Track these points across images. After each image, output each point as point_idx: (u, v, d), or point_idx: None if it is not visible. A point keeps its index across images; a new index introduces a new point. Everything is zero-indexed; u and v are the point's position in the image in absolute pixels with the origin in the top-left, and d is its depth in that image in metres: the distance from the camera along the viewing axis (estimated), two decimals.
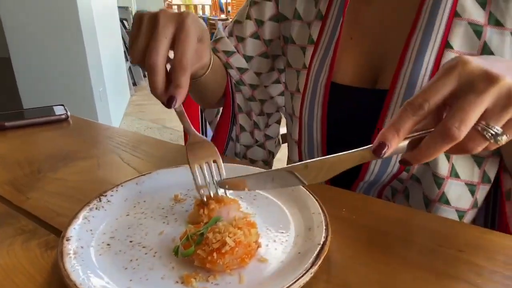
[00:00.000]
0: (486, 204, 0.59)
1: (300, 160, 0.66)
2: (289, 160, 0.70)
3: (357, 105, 0.59)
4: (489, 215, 0.59)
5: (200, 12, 10.98)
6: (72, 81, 2.56)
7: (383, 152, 0.32)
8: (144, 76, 5.42)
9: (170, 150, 0.63)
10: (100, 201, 0.42)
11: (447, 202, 0.55)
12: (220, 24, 0.77)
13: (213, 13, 11.32)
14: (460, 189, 0.54)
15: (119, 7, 4.31)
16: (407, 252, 0.38)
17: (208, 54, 0.50)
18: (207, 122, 0.87)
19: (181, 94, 0.41)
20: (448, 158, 0.53)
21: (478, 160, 0.54)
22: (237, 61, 0.72)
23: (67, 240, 0.35)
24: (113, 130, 0.74)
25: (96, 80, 2.69)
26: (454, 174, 0.53)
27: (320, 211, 0.40)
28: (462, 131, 0.30)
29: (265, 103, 0.78)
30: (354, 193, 0.49)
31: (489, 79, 0.30)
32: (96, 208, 0.41)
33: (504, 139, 0.31)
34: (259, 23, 0.71)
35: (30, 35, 2.41)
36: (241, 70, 0.73)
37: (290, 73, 0.67)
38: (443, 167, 0.53)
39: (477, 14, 0.50)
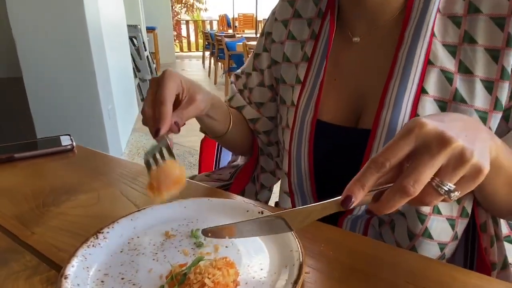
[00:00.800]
0: (465, 235, 0.62)
1: (290, 189, 0.69)
2: (281, 191, 0.74)
3: (341, 142, 0.63)
4: (469, 245, 0.62)
5: (208, 28, 11.18)
6: (81, 100, 2.64)
7: (350, 204, 0.36)
8: None
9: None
10: (97, 238, 0.46)
11: (429, 236, 0.57)
12: (232, 79, 0.85)
13: (220, 29, 11.51)
14: (442, 224, 0.57)
15: (129, 25, 4.43)
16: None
17: (203, 98, 0.58)
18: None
19: (163, 125, 0.50)
20: None
21: None
22: (248, 113, 0.79)
23: (65, 278, 0.39)
24: (115, 161, 0.78)
25: (105, 99, 2.77)
26: (436, 210, 0.57)
27: (298, 248, 0.43)
28: (416, 189, 0.34)
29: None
30: (335, 228, 0.52)
31: (443, 141, 0.33)
32: (93, 246, 0.45)
33: (456, 195, 0.35)
34: (261, 72, 0.78)
35: (41, 54, 2.50)
36: (253, 121, 0.79)
37: (282, 110, 0.72)
38: None
39: (448, 62, 0.54)
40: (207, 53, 8.07)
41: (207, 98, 0.60)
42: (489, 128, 0.53)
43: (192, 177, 0.84)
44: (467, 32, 0.53)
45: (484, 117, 0.53)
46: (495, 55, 0.52)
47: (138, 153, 3.26)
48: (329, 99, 0.64)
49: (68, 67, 2.56)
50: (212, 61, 7.16)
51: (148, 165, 0.52)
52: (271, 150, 0.83)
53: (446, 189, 0.34)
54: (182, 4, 15.41)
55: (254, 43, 3.94)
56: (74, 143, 0.84)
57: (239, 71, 0.84)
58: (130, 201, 0.60)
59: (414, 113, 0.54)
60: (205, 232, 0.44)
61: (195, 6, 15.74)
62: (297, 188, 0.68)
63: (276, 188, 0.82)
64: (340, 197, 0.37)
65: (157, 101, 0.52)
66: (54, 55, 2.52)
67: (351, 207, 0.36)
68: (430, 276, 0.42)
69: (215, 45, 6.26)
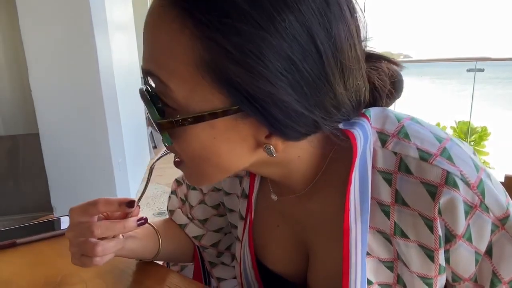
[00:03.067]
0: None
1: None
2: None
3: None
4: None
5: None
6: (93, 154, 2.72)
7: None
8: None
9: (157, 276, 0.71)
10: None
11: None
12: (173, 186, 0.80)
13: None
14: None
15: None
16: None
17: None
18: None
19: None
20: None
21: None
22: (192, 230, 0.76)
23: None
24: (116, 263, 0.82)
25: (116, 152, 2.86)
26: None
27: None
28: None
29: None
30: None
31: None
32: None
33: None
34: (201, 192, 0.74)
35: (57, 111, 2.62)
36: (198, 238, 0.77)
37: (233, 232, 0.71)
38: None
39: (383, 253, 0.50)
40: None
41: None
42: None
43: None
44: (397, 224, 0.46)
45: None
46: (430, 254, 0.46)
47: (147, 203, 3.32)
48: (274, 246, 0.61)
49: (81, 120, 2.66)
50: None
51: None
52: (224, 259, 0.79)
53: None
54: None
55: None
56: None
57: (180, 177, 0.78)
58: None
59: None
60: None
61: None
62: None
63: None
64: None
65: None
66: (68, 109, 2.62)
67: None
68: None
69: None
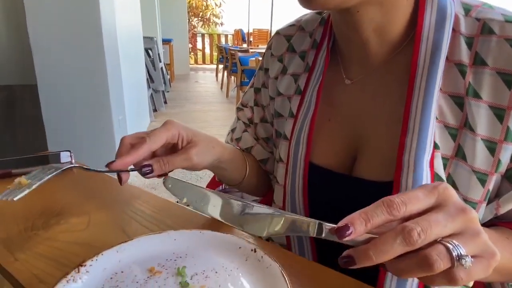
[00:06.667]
0: None
1: None
2: None
3: (335, 189, 0.60)
4: None
5: (223, 41, 11.32)
6: (93, 108, 2.66)
7: (345, 235, 0.32)
8: (165, 102, 5.58)
9: (162, 208, 0.65)
10: (79, 271, 0.44)
11: None
12: (237, 114, 0.82)
13: (235, 43, 11.65)
14: None
15: (145, 37, 4.50)
16: None
17: (201, 152, 0.56)
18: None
19: (118, 159, 0.50)
20: None
21: None
22: (258, 153, 0.76)
23: None
24: (112, 183, 0.76)
25: (116, 109, 2.79)
26: None
27: None
28: (421, 239, 0.31)
29: None
30: (346, 276, 0.48)
31: (463, 209, 0.32)
32: (73, 281, 0.43)
33: (468, 264, 0.31)
34: (263, 108, 0.76)
35: (56, 62, 2.54)
36: (263, 162, 0.77)
37: (277, 143, 0.70)
38: None
39: (452, 117, 0.50)
40: (221, 66, 8.15)
41: (213, 153, 0.58)
42: (488, 190, 0.50)
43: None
44: (471, 85, 0.49)
45: (483, 179, 0.49)
46: (500, 114, 0.48)
47: None
48: (323, 140, 0.61)
49: (82, 75, 2.59)
50: (225, 74, 7.21)
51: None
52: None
53: (459, 252, 0.31)
54: (199, 18, 15.69)
55: None
56: (73, 160, 0.83)
57: (241, 103, 0.82)
58: (120, 227, 0.58)
59: (433, 172, 0.50)
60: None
61: (211, 20, 16.00)
62: None
63: None
64: (335, 225, 0.34)
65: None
66: (68, 64, 2.56)
67: (344, 240, 0.33)
68: None
69: (229, 59, 6.31)
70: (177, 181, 0.42)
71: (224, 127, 4.36)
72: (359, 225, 0.32)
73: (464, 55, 0.50)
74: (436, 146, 0.50)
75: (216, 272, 0.46)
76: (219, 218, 0.48)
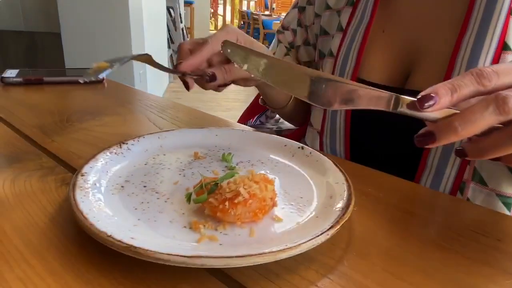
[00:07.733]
0: None
1: (321, 149, 0.63)
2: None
3: None
4: None
5: (244, 7, 11.05)
6: None
7: (428, 105, 0.29)
8: None
9: (197, 117, 0.62)
10: (121, 147, 0.42)
11: None
12: (277, 36, 0.78)
13: (257, 9, 11.37)
14: None
15: None
16: (435, 234, 0.34)
17: None
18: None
19: (184, 60, 0.48)
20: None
21: None
22: (303, 54, 0.73)
23: (81, 175, 0.35)
24: (144, 94, 0.74)
25: (137, 63, 2.75)
26: None
27: (345, 181, 0.37)
28: None
29: None
30: (384, 173, 0.46)
31: None
32: (116, 153, 0.40)
33: None
34: (306, 28, 0.71)
35: (80, 14, 2.51)
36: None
37: (319, 65, 0.66)
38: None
39: None
40: None
41: None
42: None
43: None
44: None
45: None
46: None
47: None
48: (373, 54, 0.56)
49: (105, 27, 2.56)
50: None
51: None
52: None
53: None
54: None
55: None
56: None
57: (282, 26, 0.76)
58: (157, 126, 0.55)
59: None
60: (226, 45, 0.39)
61: None
62: (329, 149, 0.62)
63: None
64: (413, 98, 0.30)
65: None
66: (92, 16, 2.53)
67: (426, 110, 0.29)
68: (501, 228, 0.35)
69: (251, 24, 6.16)
70: (236, 46, 0.38)
71: (239, 92, 4.29)
72: (444, 94, 0.28)
73: None
74: (505, 47, 0.45)
75: (262, 163, 0.44)
76: (282, 88, 0.42)
